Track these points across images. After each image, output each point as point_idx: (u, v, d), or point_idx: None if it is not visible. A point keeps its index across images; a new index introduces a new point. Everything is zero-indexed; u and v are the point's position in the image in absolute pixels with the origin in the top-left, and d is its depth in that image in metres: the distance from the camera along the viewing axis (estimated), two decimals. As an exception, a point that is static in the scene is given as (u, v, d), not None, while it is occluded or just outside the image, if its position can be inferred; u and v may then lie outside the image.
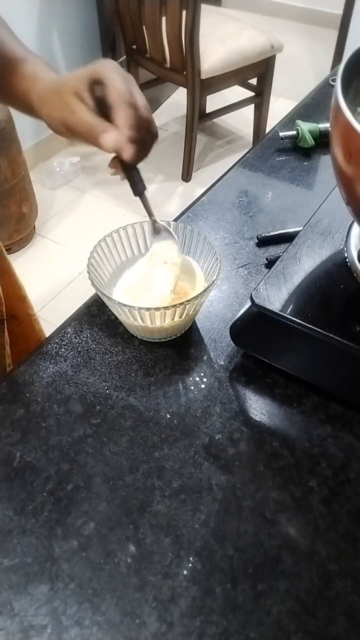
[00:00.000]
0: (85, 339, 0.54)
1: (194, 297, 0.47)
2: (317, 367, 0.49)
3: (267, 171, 0.76)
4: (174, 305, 0.46)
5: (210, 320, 0.56)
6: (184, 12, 1.80)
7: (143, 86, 2.25)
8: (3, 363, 0.65)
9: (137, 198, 0.51)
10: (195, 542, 0.40)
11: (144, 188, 0.50)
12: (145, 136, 0.48)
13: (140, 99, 0.48)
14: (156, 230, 0.53)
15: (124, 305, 0.47)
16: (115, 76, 0.47)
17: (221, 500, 0.42)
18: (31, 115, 0.52)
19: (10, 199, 1.84)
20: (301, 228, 0.54)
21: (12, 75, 0.51)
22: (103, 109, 0.47)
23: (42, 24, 2.09)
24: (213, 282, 0.48)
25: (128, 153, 0.46)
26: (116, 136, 0.46)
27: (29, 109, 0.52)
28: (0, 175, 1.76)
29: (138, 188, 0.50)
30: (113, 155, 0.49)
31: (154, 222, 0.53)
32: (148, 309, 0.46)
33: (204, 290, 0.48)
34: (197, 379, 0.51)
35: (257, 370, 0.51)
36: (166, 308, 0.46)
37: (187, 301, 0.47)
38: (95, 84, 0.47)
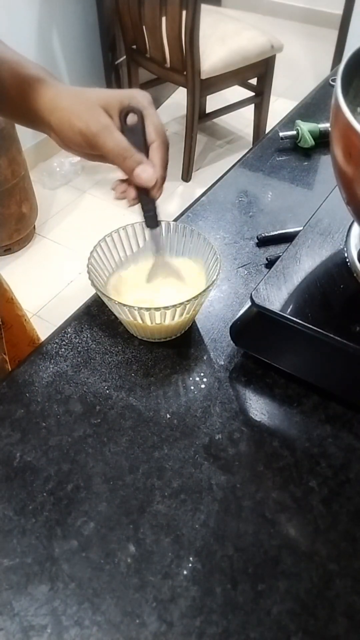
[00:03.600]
0: (85, 339, 0.54)
1: (194, 297, 0.47)
2: (317, 367, 0.49)
3: (267, 171, 0.76)
4: (174, 305, 0.46)
5: (210, 320, 0.56)
6: (184, 12, 1.80)
7: (143, 86, 2.26)
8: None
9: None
10: (195, 542, 0.40)
11: (159, 224, 0.51)
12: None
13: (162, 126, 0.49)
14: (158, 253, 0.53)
15: (124, 305, 0.47)
16: (153, 111, 0.48)
17: (221, 500, 0.42)
18: (29, 124, 0.52)
19: (10, 199, 1.84)
20: (301, 228, 0.54)
21: (30, 98, 0.51)
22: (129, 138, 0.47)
23: (42, 24, 2.09)
24: (213, 282, 0.48)
25: (158, 193, 0.48)
26: (153, 173, 0.47)
27: (30, 116, 0.51)
28: (0, 175, 1.76)
29: (153, 223, 0.50)
30: (120, 176, 0.49)
31: (159, 255, 0.52)
32: (148, 309, 0.46)
33: (204, 290, 0.48)
34: (197, 379, 0.51)
35: (257, 370, 0.51)
36: (166, 308, 0.46)
37: (187, 301, 0.47)
38: (128, 111, 0.47)
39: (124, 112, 0.47)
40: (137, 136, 0.47)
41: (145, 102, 0.48)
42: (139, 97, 0.48)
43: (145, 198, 0.49)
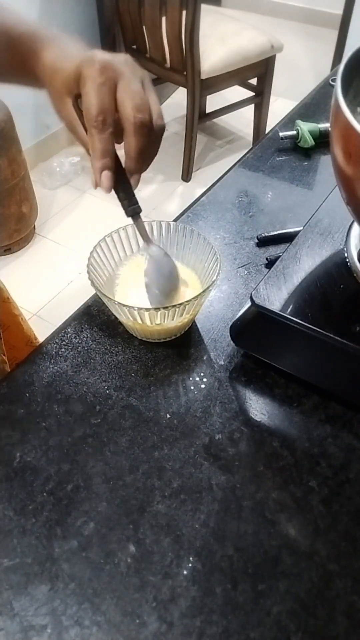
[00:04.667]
0: (85, 339, 0.54)
1: (193, 298, 0.47)
2: (317, 367, 0.49)
3: (267, 171, 0.76)
4: (174, 306, 0.46)
5: (210, 320, 0.56)
6: (184, 12, 1.80)
7: (143, 86, 2.25)
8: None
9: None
10: (195, 542, 0.40)
11: (138, 210, 0.47)
12: (152, 150, 0.45)
13: (132, 99, 0.43)
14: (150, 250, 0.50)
15: (124, 305, 0.47)
16: (88, 87, 0.42)
17: (221, 500, 0.42)
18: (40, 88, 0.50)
19: (10, 199, 1.84)
20: (301, 228, 0.54)
21: (28, 57, 0.48)
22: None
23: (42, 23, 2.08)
24: (213, 282, 0.48)
25: (104, 186, 0.44)
26: (112, 176, 0.43)
27: (35, 83, 0.49)
28: (0, 175, 1.76)
29: (128, 212, 0.47)
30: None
31: (149, 245, 0.50)
32: (148, 309, 0.46)
33: (204, 291, 0.48)
34: (197, 379, 0.51)
35: (257, 370, 0.51)
36: (166, 308, 0.46)
37: (187, 302, 0.47)
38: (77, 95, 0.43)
39: (76, 97, 0.44)
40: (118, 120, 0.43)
41: (86, 75, 0.42)
42: (83, 70, 0.43)
43: (120, 185, 0.45)
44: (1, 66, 0.52)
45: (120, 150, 0.45)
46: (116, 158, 0.45)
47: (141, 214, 0.48)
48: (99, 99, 0.42)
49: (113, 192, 0.46)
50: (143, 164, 0.45)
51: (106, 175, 0.44)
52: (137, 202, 0.47)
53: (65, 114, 0.46)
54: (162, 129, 0.46)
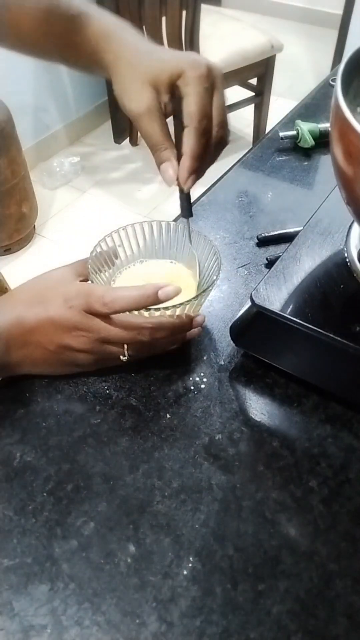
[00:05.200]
0: (85, 339, 0.54)
1: (193, 298, 0.47)
2: (317, 367, 0.49)
3: (267, 171, 0.76)
4: (174, 306, 0.46)
5: (210, 320, 0.56)
6: (184, 12, 1.80)
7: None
8: None
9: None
10: (195, 542, 0.40)
11: (191, 215, 0.50)
12: (212, 162, 0.47)
13: (219, 114, 0.45)
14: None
15: None
16: (198, 88, 0.43)
17: (221, 500, 0.42)
18: (99, 75, 0.49)
19: (10, 199, 1.84)
20: (301, 228, 0.54)
21: (76, 34, 0.47)
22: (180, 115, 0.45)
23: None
24: (213, 282, 0.48)
25: (186, 186, 0.46)
26: (174, 173, 0.45)
27: (98, 70, 0.48)
28: (0, 175, 1.76)
29: (186, 213, 0.50)
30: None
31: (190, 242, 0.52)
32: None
33: (204, 291, 0.48)
34: (197, 379, 0.51)
35: (257, 370, 0.51)
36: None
37: (186, 302, 0.47)
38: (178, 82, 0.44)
39: (170, 91, 0.44)
40: (178, 119, 0.45)
41: (194, 77, 0.43)
42: (188, 71, 0.44)
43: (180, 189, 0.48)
44: (47, 41, 0.50)
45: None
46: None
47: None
48: (203, 103, 0.44)
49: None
50: (202, 174, 0.48)
51: (192, 179, 0.46)
52: (191, 207, 0.50)
53: (141, 100, 0.44)
54: (226, 145, 0.48)
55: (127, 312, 0.44)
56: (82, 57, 0.49)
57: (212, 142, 0.46)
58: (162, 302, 0.43)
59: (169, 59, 0.45)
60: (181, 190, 0.47)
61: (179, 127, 0.45)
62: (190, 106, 0.44)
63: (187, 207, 0.49)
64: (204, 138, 0.44)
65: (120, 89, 0.46)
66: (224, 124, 0.45)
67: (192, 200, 0.50)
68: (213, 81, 0.45)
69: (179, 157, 0.46)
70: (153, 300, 0.43)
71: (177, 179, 0.46)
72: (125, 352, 0.46)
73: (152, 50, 0.46)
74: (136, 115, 0.45)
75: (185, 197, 0.49)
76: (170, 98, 0.45)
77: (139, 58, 0.46)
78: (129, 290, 0.43)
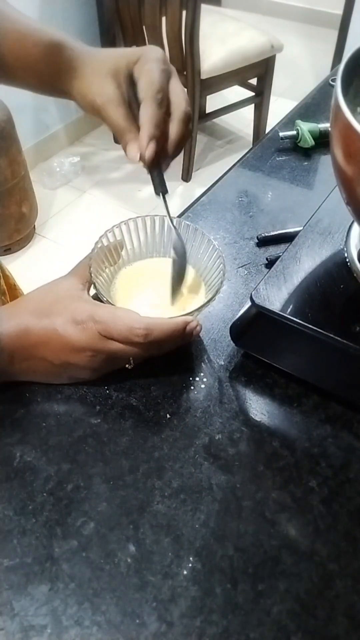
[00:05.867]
0: (85, 339, 0.54)
1: (197, 309, 0.47)
2: (317, 367, 0.49)
3: (267, 171, 0.76)
4: (177, 318, 0.46)
5: (210, 320, 0.56)
6: (184, 12, 1.80)
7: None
8: None
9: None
10: (195, 542, 0.40)
11: (166, 190, 0.50)
12: (186, 140, 0.49)
13: (178, 94, 0.47)
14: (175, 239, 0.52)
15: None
16: (152, 66, 0.46)
17: (221, 500, 0.42)
18: (58, 95, 0.52)
19: (10, 199, 1.84)
20: (301, 228, 0.54)
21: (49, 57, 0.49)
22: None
23: (42, 23, 2.08)
24: (217, 292, 0.48)
25: (147, 153, 0.46)
26: (136, 150, 0.46)
27: (61, 86, 0.50)
28: (0, 175, 1.76)
29: (157, 190, 0.50)
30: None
31: (171, 222, 0.52)
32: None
33: (208, 301, 0.48)
34: (197, 379, 0.51)
35: (257, 370, 0.51)
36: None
37: (189, 313, 0.47)
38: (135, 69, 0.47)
39: (129, 78, 0.47)
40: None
41: (148, 59, 0.46)
42: (145, 54, 0.47)
43: (149, 165, 0.48)
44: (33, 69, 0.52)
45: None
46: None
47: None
48: (161, 79, 0.46)
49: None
50: (178, 150, 0.49)
51: (152, 147, 0.46)
52: (165, 184, 0.50)
53: (102, 91, 0.47)
54: (184, 115, 0.49)
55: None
56: (51, 79, 0.51)
57: (176, 116, 0.47)
58: (187, 336, 0.46)
59: (128, 51, 0.48)
60: (146, 165, 0.48)
61: (138, 108, 0.47)
62: (144, 81, 0.46)
63: (159, 183, 0.49)
64: (160, 108, 0.46)
65: (82, 88, 0.48)
66: (188, 102, 0.48)
67: (163, 177, 0.50)
68: (169, 68, 0.47)
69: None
70: (182, 333, 0.45)
71: (140, 155, 0.47)
72: (131, 362, 0.47)
73: (114, 50, 0.49)
74: (100, 106, 0.47)
75: (156, 173, 0.49)
76: (130, 85, 0.47)
77: (99, 58, 0.48)
78: (164, 324, 0.44)
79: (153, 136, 0.46)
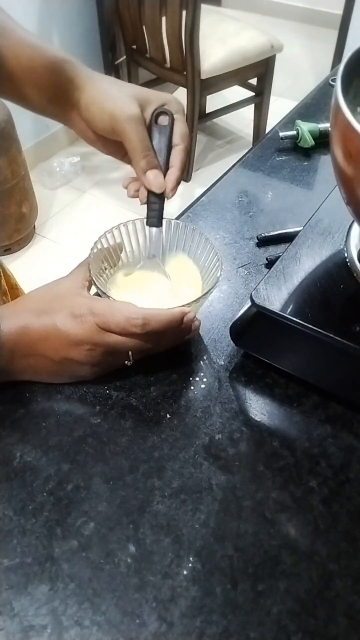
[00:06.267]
0: (85, 339, 0.54)
1: (194, 300, 0.47)
2: (317, 367, 0.49)
3: (267, 171, 0.76)
4: (173, 308, 0.46)
5: (210, 320, 0.56)
6: (184, 12, 1.80)
7: (143, 86, 2.26)
8: None
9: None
10: (195, 542, 0.40)
11: (161, 224, 0.52)
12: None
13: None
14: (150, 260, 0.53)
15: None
16: (182, 117, 0.51)
17: (221, 500, 0.42)
18: (53, 107, 0.53)
19: (10, 199, 1.84)
20: (301, 228, 0.54)
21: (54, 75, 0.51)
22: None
23: (42, 24, 2.09)
24: (215, 285, 0.48)
25: (172, 193, 0.50)
26: (163, 182, 0.49)
27: (56, 97, 0.52)
28: (0, 175, 1.76)
29: (157, 221, 0.51)
30: (131, 176, 0.51)
31: (151, 257, 0.53)
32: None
33: (206, 293, 0.48)
34: (197, 379, 0.51)
35: (257, 370, 0.51)
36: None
37: (187, 304, 0.47)
38: (161, 112, 0.50)
39: (156, 112, 0.49)
40: (163, 138, 0.50)
41: (178, 108, 0.51)
42: (173, 102, 0.51)
43: (154, 196, 0.50)
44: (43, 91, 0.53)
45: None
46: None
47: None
48: (188, 128, 0.51)
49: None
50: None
51: (176, 189, 0.51)
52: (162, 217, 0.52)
53: (132, 109, 0.48)
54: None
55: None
56: (57, 99, 0.52)
57: (187, 152, 0.52)
58: (185, 327, 0.46)
59: (154, 91, 0.51)
60: (162, 198, 0.50)
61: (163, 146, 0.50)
62: (182, 128, 0.50)
63: (158, 217, 0.51)
64: (188, 155, 0.52)
65: (100, 99, 0.49)
66: (189, 138, 0.53)
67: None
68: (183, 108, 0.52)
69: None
70: (179, 324, 0.45)
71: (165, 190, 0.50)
72: (131, 357, 0.46)
73: (129, 85, 0.52)
74: (126, 119, 0.47)
75: (161, 206, 0.51)
76: (151, 119, 0.50)
77: (117, 83, 0.51)
78: (161, 314, 0.45)
79: (179, 181, 0.50)
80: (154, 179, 0.49)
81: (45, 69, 0.50)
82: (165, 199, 0.50)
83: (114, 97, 0.49)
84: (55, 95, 0.52)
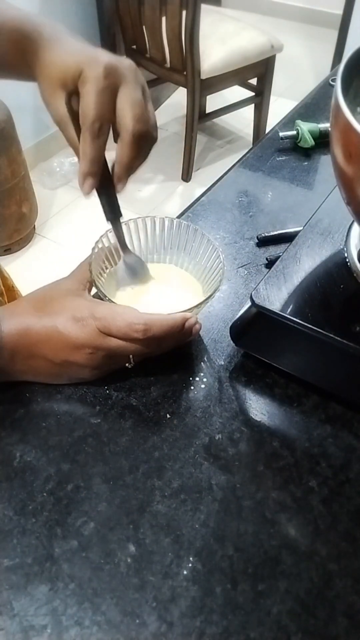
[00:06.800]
0: (85, 339, 0.54)
1: (196, 305, 0.47)
2: (317, 367, 0.49)
3: (267, 171, 0.76)
4: (175, 313, 0.46)
5: (210, 320, 0.56)
6: (184, 12, 1.80)
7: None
8: None
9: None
10: (195, 542, 0.40)
11: (115, 217, 0.48)
12: (142, 159, 0.46)
13: (125, 112, 0.43)
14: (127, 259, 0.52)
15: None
16: (89, 89, 0.42)
17: (221, 500, 0.42)
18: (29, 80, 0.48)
19: (10, 199, 1.84)
20: (301, 228, 0.54)
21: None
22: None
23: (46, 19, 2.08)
24: (216, 289, 0.48)
25: (85, 191, 0.45)
26: (94, 183, 0.44)
27: (27, 73, 0.48)
28: (0, 175, 1.76)
29: (107, 216, 0.48)
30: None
31: (125, 253, 0.51)
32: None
33: (207, 298, 0.48)
34: (197, 379, 0.51)
35: (257, 370, 0.51)
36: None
37: (188, 309, 0.47)
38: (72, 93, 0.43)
39: (70, 94, 0.43)
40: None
41: (89, 76, 0.41)
42: (83, 73, 0.42)
43: (102, 188, 0.46)
44: (3, 58, 0.50)
45: (109, 152, 0.45)
46: (104, 163, 0.45)
47: (122, 219, 0.50)
48: (98, 103, 0.42)
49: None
50: (132, 172, 0.46)
51: (89, 183, 0.44)
52: (118, 208, 0.48)
53: (54, 108, 0.45)
54: (154, 140, 0.46)
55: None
56: (21, 66, 0.48)
57: (123, 138, 0.44)
58: (186, 332, 0.46)
59: (71, 57, 0.43)
60: (87, 193, 0.46)
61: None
62: (82, 108, 0.42)
63: (108, 210, 0.48)
64: (96, 139, 0.43)
65: (42, 96, 0.46)
66: (140, 118, 0.43)
67: (115, 203, 0.47)
68: (115, 79, 0.42)
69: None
70: (181, 329, 0.45)
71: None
72: (131, 361, 0.47)
73: (64, 51, 0.44)
74: (55, 123, 0.45)
75: (104, 200, 0.47)
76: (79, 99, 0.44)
77: (51, 60, 0.44)
78: (162, 319, 0.44)
79: (88, 173, 0.44)
80: (81, 184, 0.45)
81: (9, 39, 0.47)
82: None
83: (44, 96, 0.44)
84: (16, 64, 0.48)
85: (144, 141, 0.45)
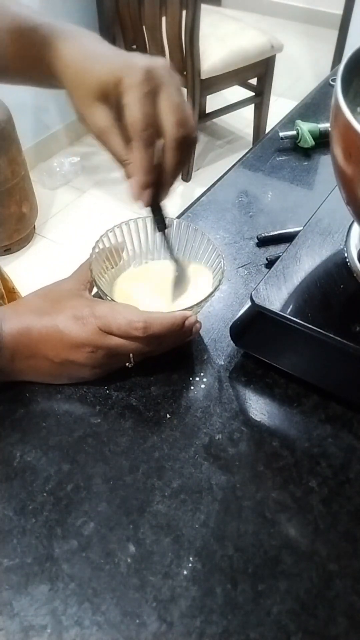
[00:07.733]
0: (85, 339, 0.54)
1: (196, 304, 0.47)
2: (317, 367, 0.49)
3: (267, 171, 0.76)
4: (175, 312, 0.46)
5: (210, 320, 0.56)
6: (184, 12, 1.80)
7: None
8: None
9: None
10: (195, 542, 0.40)
11: (164, 227, 0.50)
12: (185, 163, 0.45)
13: (173, 114, 0.42)
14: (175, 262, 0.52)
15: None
16: (133, 97, 0.40)
17: (221, 500, 0.42)
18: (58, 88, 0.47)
19: (10, 199, 1.84)
20: (301, 228, 0.54)
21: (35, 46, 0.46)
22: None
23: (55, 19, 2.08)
24: (216, 288, 0.48)
25: (143, 201, 0.45)
26: (152, 193, 0.44)
27: (54, 82, 0.46)
28: (0, 175, 1.76)
29: (160, 227, 0.49)
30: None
31: (174, 260, 0.52)
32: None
33: (208, 296, 0.48)
34: (197, 379, 0.51)
35: (257, 370, 0.51)
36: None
37: (189, 307, 0.47)
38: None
39: (117, 100, 0.42)
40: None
41: (129, 85, 0.41)
42: (123, 83, 0.41)
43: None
44: (14, 63, 0.49)
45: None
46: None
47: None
48: (144, 111, 0.41)
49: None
50: (177, 177, 0.46)
51: (147, 194, 0.44)
52: (165, 216, 0.49)
53: (94, 121, 0.43)
54: (196, 142, 0.46)
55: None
56: (41, 70, 0.47)
57: (169, 145, 0.43)
58: (186, 330, 0.46)
59: (105, 66, 0.42)
60: (146, 205, 0.46)
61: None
62: (129, 117, 0.42)
63: (159, 220, 0.49)
64: (148, 148, 0.42)
65: (76, 107, 0.45)
66: (183, 122, 0.42)
67: (163, 213, 0.48)
68: (155, 83, 0.41)
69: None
70: (181, 328, 0.45)
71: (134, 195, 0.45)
72: (131, 360, 0.47)
73: (95, 58, 0.43)
74: (95, 135, 0.44)
75: (157, 211, 0.48)
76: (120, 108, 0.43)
77: (82, 68, 0.43)
78: (163, 318, 0.44)
79: (145, 184, 0.44)
80: (131, 192, 0.44)
81: (20, 43, 0.46)
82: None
83: (79, 107, 0.43)
84: (30, 63, 0.47)
85: (186, 145, 0.44)
